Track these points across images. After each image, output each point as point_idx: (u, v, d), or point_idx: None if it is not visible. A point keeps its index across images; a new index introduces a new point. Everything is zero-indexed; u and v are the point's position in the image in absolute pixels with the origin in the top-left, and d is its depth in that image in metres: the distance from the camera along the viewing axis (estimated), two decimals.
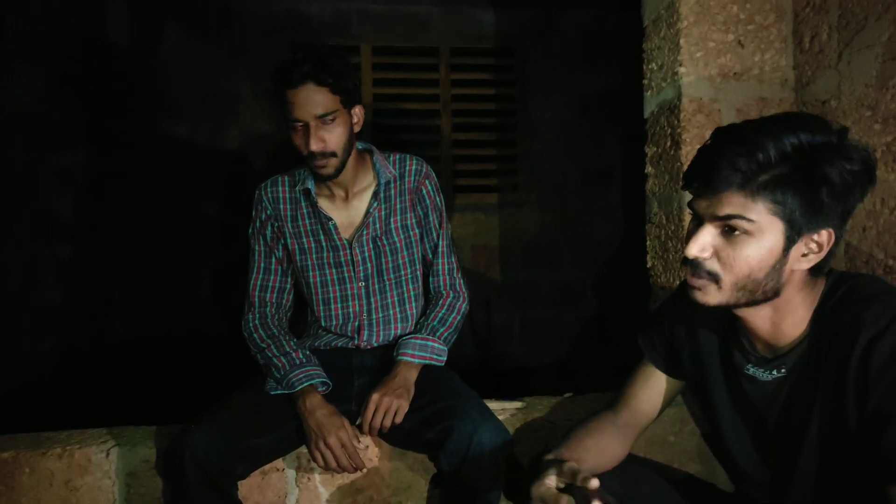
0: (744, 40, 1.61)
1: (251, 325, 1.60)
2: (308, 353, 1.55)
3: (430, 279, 1.72)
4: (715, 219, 0.94)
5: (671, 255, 1.68)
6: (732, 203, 0.91)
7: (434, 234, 1.70)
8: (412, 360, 1.55)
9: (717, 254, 0.95)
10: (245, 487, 1.40)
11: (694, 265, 0.97)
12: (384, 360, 1.62)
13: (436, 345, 1.59)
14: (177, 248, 3.23)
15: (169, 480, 1.36)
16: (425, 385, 1.49)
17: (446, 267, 1.71)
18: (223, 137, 3.22)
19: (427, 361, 1.56)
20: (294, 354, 1.51)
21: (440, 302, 1.68)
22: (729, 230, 0.93)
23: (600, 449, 1.17)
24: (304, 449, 1.47)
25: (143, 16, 3.13)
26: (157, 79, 3.15)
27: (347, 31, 3.41)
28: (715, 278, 0.96)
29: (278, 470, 1.47)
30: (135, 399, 2.50)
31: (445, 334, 1.62)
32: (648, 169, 1.78)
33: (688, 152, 1.60)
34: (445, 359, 1.60)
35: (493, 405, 1.55)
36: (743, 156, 0.89)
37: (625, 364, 1.33)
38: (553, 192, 3.60)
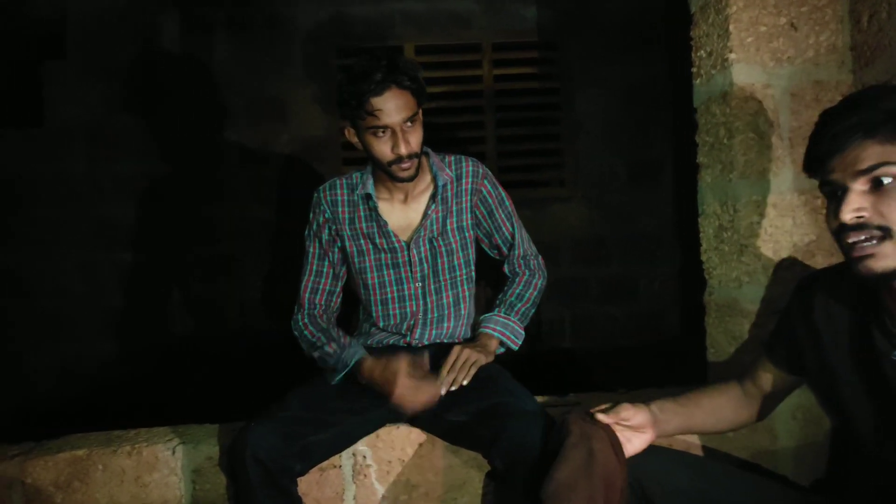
0: (797, 22, 1.55)
1: (300, 323, 1.64)
2: (352, 337, 1.61)
3: (506, 264, 1.76)
4: (858, 176, 0.90)
5: (726, 246, 1.64)
6: (870, 154, 0.88)
7: (505, 229, 1.73)
8: (492, 332, 1.61)
9: (874, 209, 0.90)
10: (304, 484, 1.43)
11: (857, 229, 0.91)
12: (435, 358, 1.63)
13: (515, 326, 1.64)
14: (231, 250, 3.33)
15: (232, 477, 1.40)
16: (477, 381, 1.50)
17: (521, 251, 1.75)
18: (274, 143, 3.29)
19: (505, 339, 1.62)
20: (342, 339, 1.56)
21: (516, 279, 1.73)
22: (876, 184, 0.89)
23: (715, 408, 1.25)
24: (360, 446, 1.50)
25: (194, 28, 3.23)
26: (209, 88, 3.25)
27: (391, 33, 3.44)
28: (887, 232, 0.90)
29: (335, 467, 1.50)
30: (196, 397, 2.59)
31: (522, 309, 1.67)
32: (700, 159, 1.74)
33: (741, 140, 1.56)
34: (520, 343, 1.64)
35: (545, 402, 1.55)
36: (863, 107, 0.88)
37: (678, 357, 1.31)
38: (600, 186, 3.55)
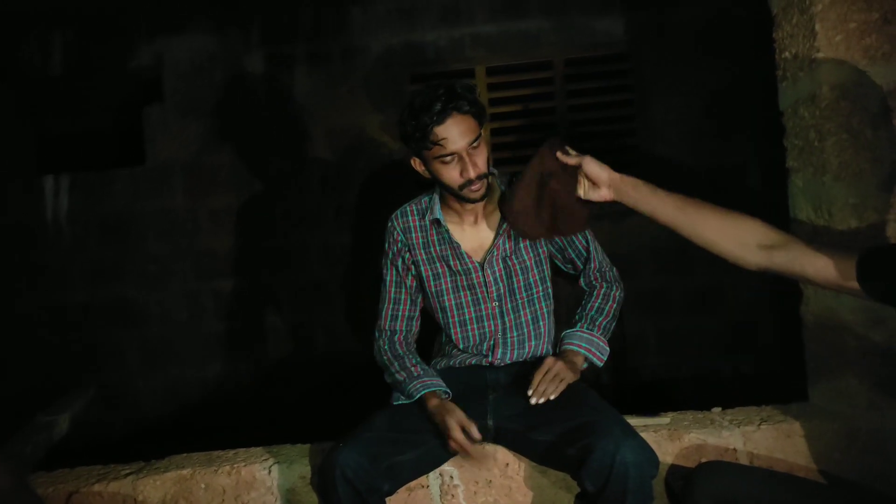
0: (891, 16, 1.47)
1: (381, 350, 1.69)
2: (426, 367, 1.62)
3: (582, 278, 1.73)
4: None
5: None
6: None
7: (578, 243, 1.70)
8: (578, 349, 1.59)
9: None
10: (393, 503, 1.45)
11: None
12: (518, 376, 1.63)
13: (599, 342, 1.62)
14: (318, 276, 3.45)
15: (323, 496, 1.43)
16: (563, 400, 1.48)
17: (597, 264, 1.72)
18: (352, 169, 3.40)
19: (590, 356, 1.59)
20: (413, 369, 1.58)
21: (594, 293, 1.71)
22: None
23: (719, 230, 1.23)
24: (447, 466, 1.51)
25: (277, 64, 3.40)
26: (292, 120, 3.40)
27: (462, 56, 3.49)
28: None
29: (423, 486, 1.52)
30: (290, 417, 2.69)
31: (604, 323, 1.65)
32: (790, 163, 1.67)
33: (834, 142, 1.48)
34: (605, 359, 1.61)
35: (634, 421, 1.51)
36: None
37: (774, 372, 1.25)
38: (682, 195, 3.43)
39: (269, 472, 1.55)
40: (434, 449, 1.49)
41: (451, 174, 1.54)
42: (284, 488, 1.55)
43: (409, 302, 1.72)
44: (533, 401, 1.46)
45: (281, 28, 3.37)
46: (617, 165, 1.36)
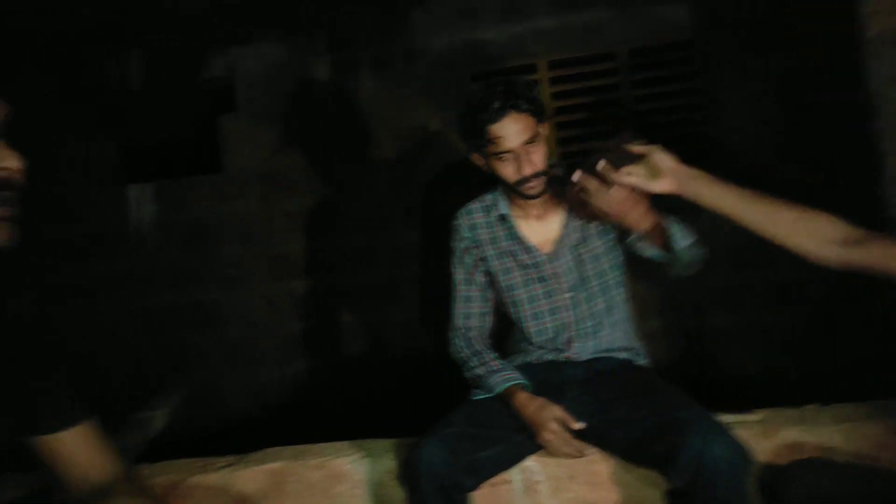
0: None
1: (458, 347, 1.71)
2: (505, 361, 1.63)
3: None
4: None
5: None
6: None
7: None
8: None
9: None
10: (477, 499, 1.46)
11: None
12: (596, 372, 1.62)
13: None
14: (389, 275, 3.50)
15: (409, 491, 1.47)
16: (645, 396, 1.47)
17: None
18: (418, 170, 3.44)
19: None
20: (492, 363, 1.60)
21: None
22: None
23: (795, 229, 1.18)
24: (530, 462, 1.52)
25: (341, 69, 3.47)
26: (359, 123, 3.46)
27: (523, 51, 3.47)
28: None
29: (506, 482, 1.53)
30: (370, 414, 2.75)
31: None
32: (885, 145, 1.59)
33: None
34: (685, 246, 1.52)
35: (723, 418, 1.47)
36: None
37: (867, 367, 1.19)
38: (759, 185, 3.31)
39: (357, 465, 1.60)
40: (515, 445, 1.51)
41: (507, 171, 1.57)
42: (372, 482, 1.59)
43: (480, 298, 1.74)
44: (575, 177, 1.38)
45: (345, 33, 3.44)
46: (686, 157, 1.33)
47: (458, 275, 1.76)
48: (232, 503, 1.61)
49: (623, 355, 1.68)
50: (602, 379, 1.60)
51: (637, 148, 1.32)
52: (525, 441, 1.50)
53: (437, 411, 1.55)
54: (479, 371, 1.60)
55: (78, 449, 1.03)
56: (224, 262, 3.46)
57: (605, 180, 1.31)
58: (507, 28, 3.45)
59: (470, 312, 1.74)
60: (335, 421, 2.54)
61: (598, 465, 1.50)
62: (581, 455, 1.47)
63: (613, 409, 1.47)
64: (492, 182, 1.72)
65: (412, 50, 3.45)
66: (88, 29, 3.24)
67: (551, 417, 1.45)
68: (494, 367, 1.59)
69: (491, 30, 3.43)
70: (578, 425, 1.44)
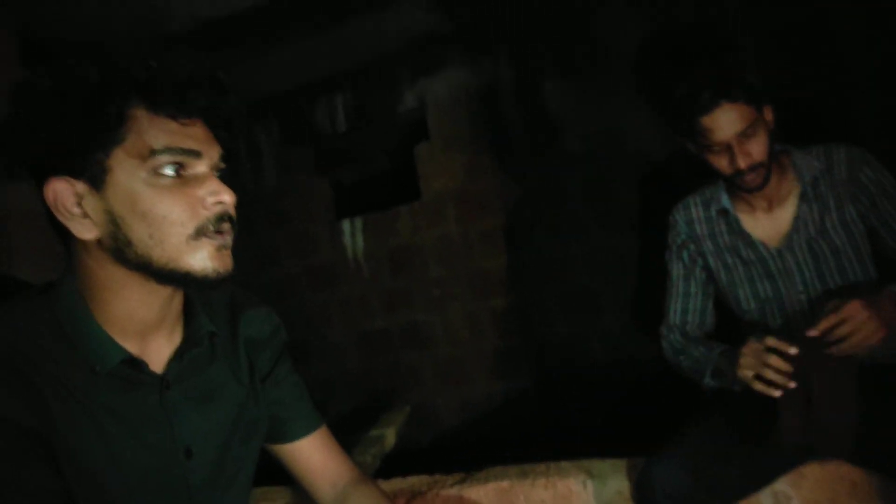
0: None
1: (672, 344, 1.61)
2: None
3: None
4: None
5: None
6: None
7: (894, 223, 1.45)
8: None
9: None
10: None
11: None
12: None
13: None
14: (584, 283, 3.42)
15: None
16: None
17: None
18: (614, 171, 3.32)
19: None
20: (712, 343, 1.50)
21: None
22: None
23: None
24: (781, 485, 1.36)
25: (525, 83, 3.47)
26: (545, 132, 3.44)
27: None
28: None
29: None
30: (577, 429, 2.70)
31: None
32: None
33: None
34: None
35: None
36: None
37: None
38: None
39: (585, 486, 1.55)
40: (764, 463, 1.37)
41: (720, 163, 1.45)
42: (602, 502, 1.53)
43: (700, 295, 1.64)
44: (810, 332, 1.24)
45: (526, 45, 3.45)
46: None
47: (676, 271, 1.66)
48: None
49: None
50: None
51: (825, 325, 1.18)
52: (772, 459, 1.36)
53: (652, 427, 1.47)
54: (696, 353, 1.51)
55: (317, 454, 1.11)
56: (428, 283, 3.64)
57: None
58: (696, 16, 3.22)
59: (687, 308, 1.64)
60: (545, 437, 2.52)
61: (864, 489, 1.30)
62: (784, 384, 1.26)
63: (878, 421, 1.26)
64: (701, 176, 1.61)
65: (596, 51, 3.36)
66: (301, 82, 3.64)
67: (761, 350, 1.29)
68: (714, 346, 1.49)
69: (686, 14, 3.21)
70: (792, 350, 1.25)
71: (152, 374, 0.91)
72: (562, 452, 1.76)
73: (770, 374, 1.26)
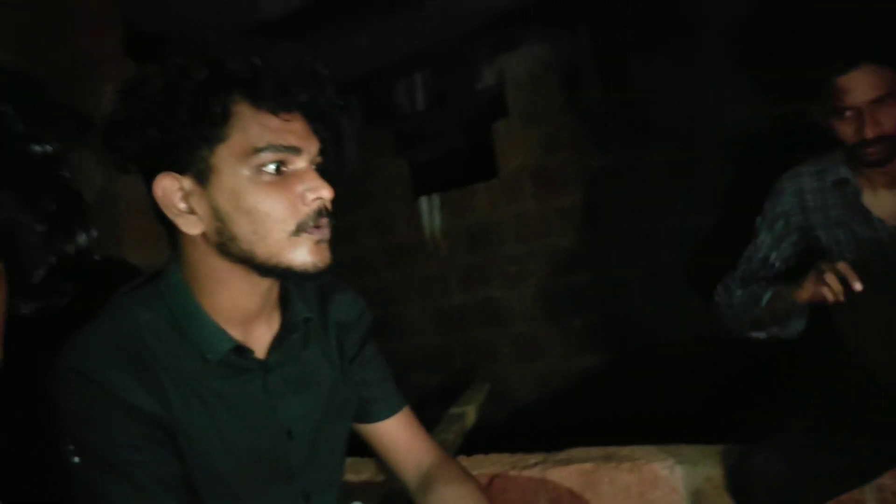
0: None
1: (729, 296, 1.57)
2: None
3: None
4: None
5: None
6: None
7: None
8: None
9: None
10: None
11: None
12: None
13: None
14: (665, 263, 3.32)
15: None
16: None
17: None
18: (700, 148, 3.19)
19: None
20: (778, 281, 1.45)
21: None
22: None
23: None
24: (888, 479, 1.30)
25: (606, 58, 3.37)
26: (625, 109, 3.34)
27: None
28: None
29: (857, 501, 1.33)
30: (656, 411, 2.64)
31: None
32: None
33: None
34: None
35: None
36: None
37: None
38: None
39: (672, 471, 1.53)
40: (869, 456, 1.30)
41: (845, 130, 1.34)
42: (690, 489, 1.51)
43: (773, 268, 1.55)
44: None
45: (609, 20, 3.35)
46: None
47: (762, 237, 1.57)
48: (549, 498, 1.67)
49: None
50: None
51: None
52: (879, 451, 1.29)
53: (733, 412, 1.42)
54: (761, 291, 1.46)
55: (401, 435, 1.12)
56: (505, 260, 3.63)
57: None
58: None
59: (757, 276, 1.55)
60: (622, 417, 2.49)
61: None
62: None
63: None
64: (788, 155, 1.51)
65: (681, 24, 3.21)
66: (383, 63, 3.67)
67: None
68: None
69: None
70: (857, 286, 1.20)
71: (256, 361, 0.95)
72: (640, 434, 1.73)
73: (830, 278, 1.23)
